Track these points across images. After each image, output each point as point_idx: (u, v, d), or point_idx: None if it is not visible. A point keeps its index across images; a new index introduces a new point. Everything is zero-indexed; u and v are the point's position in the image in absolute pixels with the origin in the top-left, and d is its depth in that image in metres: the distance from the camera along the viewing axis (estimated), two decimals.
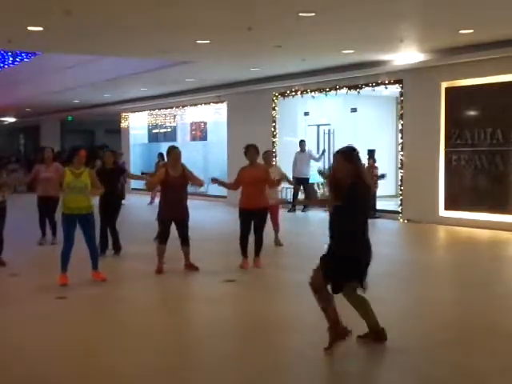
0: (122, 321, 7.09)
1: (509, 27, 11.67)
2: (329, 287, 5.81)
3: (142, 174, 11.97)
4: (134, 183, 26.85)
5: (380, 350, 5.86)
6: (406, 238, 14.47)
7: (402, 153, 16.18)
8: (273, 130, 19.58)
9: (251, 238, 9.85)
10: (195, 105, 23.64)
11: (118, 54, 15.61)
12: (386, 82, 16.32)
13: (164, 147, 18.65)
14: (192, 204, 9.96)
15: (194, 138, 25.61)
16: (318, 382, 5.30)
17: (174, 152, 9.53)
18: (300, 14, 10.26)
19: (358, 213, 5.74)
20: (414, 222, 15.44)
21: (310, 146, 19.33)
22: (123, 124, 28.90)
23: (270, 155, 12.27)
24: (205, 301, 8.02)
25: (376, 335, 5.92)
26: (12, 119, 36.82)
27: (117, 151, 16.32)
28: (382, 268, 9.67)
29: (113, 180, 10.75)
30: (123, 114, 28.53)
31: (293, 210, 17.91)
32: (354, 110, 20.10)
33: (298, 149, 18.46)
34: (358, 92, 17.26)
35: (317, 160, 18.74)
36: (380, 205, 16.86)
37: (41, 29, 11.39)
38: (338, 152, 5.97)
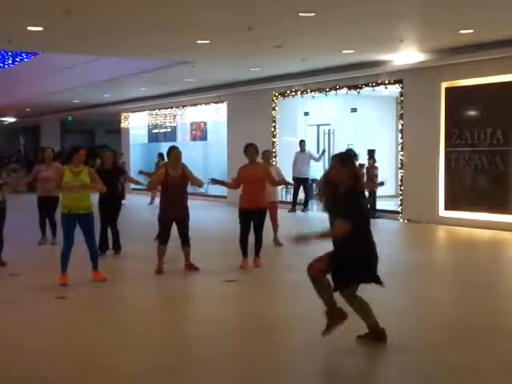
0: (121, 321, 7.09)
1: (509, 27, 11.67)
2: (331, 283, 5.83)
3: (140, 172, 11.89)
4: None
5: (380, 350, 5.86)
6: (406, 238, 14.47)
7: (401, 153, 16.18)
8: (273, 130, 19.58)
9: (251, 238, 9.84)
10: (195, 105, 23.65)
11: (118, 54, 15.61)
12: (386, 82, 16.32)
13: (164, 147, 18.71)
14: (192, 204, 9.96)
15: (194, 138, 25.61)
16: (317, 382, 5.30)
17: (174, 152, 9.52)
18: (300, 14, 10.26)
19: (359, 217, 5.75)
20: (414, 221, 15.44)
21: (310, 146, 19.33)
22: (123, 124, 28.90)
23: (269, 155, 12.27)
24: (205, 301, 8.03)
25: (376, 335, 5.92)
26: (12, 119, 36.82)
27: (117, 151, 16.34)
28: (382, 268, 9.63)
29: (112, 180, 10.73)
30: (123, 114, 28.53)
31: (293, 209, 17.91)
32: (354, 109, 20.11)
33: (298, 149, 18.46)
34: (358, 92, 17.26)
35: (317, 160, 18.74)
36: (380, 205, 16.87)
37: (41, 29, 11.40)
38: (334, 157, 6.04)
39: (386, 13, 10.41)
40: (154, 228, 10.41)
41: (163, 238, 9.50)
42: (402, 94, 16.10)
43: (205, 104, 23.08)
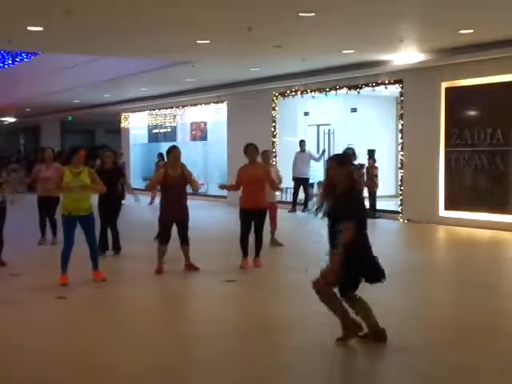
0: (121, 321, 7.09)
1: (509, 27, 11.67)
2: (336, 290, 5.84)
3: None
4: (134, 183, 26.86)
5: (380, 350, 5.86)
6: (406, 238, 14.47)
7: (402, 153, 16.18)
8: (273, 129, 19.58)
9: (251, 238, 9.85)
10: (195, 105, 23.65)
11: (118, 54, 15.61)
12: (386, 82, 16.32)
13: (164, 147, 18.69)
14: (192, 204, 9.96)
15: (194, 138, 25.61)
16: (317, 382, 5.30)
17: (173, 152, 9.52)
18: (300, 14, 10.26)
19: (356, 220, 5.74)
20: (413, 221, 15.44)
21: (310, 146, 19.33)
22: (123, 124, 28.91)
23: (268, 155, 12.28)
24: (205, 301, 8.03)
25: (376, 336, 5.92)
26: (12, 119, 36.82)
27: (117, 151, 16.33)
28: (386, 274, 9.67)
29: (112, 180, 10.73)
30: (123, 114, 28.54)
31: (293, 210, 17.91)
32: (354, 110, 20.11)
33: (298, 149, 18.46)
34: (358, 92, 17.26)
35: (317, 160, 18.74)
36: (380, 205, 16.87)
37: (41, 29, 11.40)
38: (330, 158, 6.07)
39: (386, 13, 10.41)
40: (154, 228, 10.41)
41: (163, 238, 9.50)
42: (402, 94, 16.10)
43: (205, 104, 23.08)
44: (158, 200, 10.00)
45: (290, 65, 16.33)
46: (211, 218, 17.13)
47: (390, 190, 18.93)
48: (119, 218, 11.25)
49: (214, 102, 22.58)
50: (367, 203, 16.29)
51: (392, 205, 17.14)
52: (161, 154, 20.43)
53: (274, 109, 19.62)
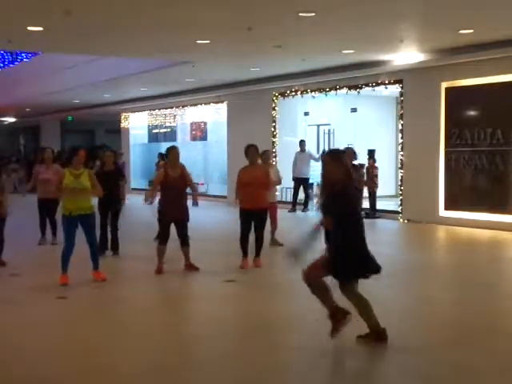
0: (121, 321, 7.09)
1: (509, 27, 11.67)
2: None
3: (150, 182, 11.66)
4: (134, 183, 26.88)
5: (380, 350, 5.86)
6: (406, 238, 14.47)
7: (402, 153, 16.18)
8: (273, 129, 19.58)
9: (251, 238, 9.84)
10: (195, 105, 23.65)
11: (118, 54, 15.61)
12: (386, 82, 16.32)
13: (164, 147, 18.67)
14: (192, 204, 9.95)
15: (194, 138, 25.61)
16: (317, 382, 5.30)
17: (172, 152, 9.53)
18: (300, 14, 10.26)
19: (351, 216, 5.75)
20: (413, 221, 15.44)
21: (310, 146, 19.33)
22: (123, 124, 28.90)
23: (268, 155, 12.28)
24: (205, 301, 8.03)
25: (377, 335, 5.92)
26: (12, 119, 36.82)
27: (117, 151, 16.32)
28: (382, 268, 9.66)
29: (112, 181, 10.71)
30: (123, 114, 28.53)
31: (293, 210, 17.91)
32: (354, 110, 20.11)
33: (298, 149, 18.46)
34: (358, 92, 17.26)
35: (317, 160, 18.71)
36: (380, 205, 16.87)
37: (41, 29, 11.40)
38: (325, 153, 6.09)
39: (386, 13, 10.42)
40: (154, 228, 10.41)
41: (163, 237, 9.50)
42: (402, 94, 16.10)
43: (205, 104, 23.08)
44: (157, 200, 9.98)
45: (290, 65, 16.33)
46: (211, 217, 17.12)
47: (390, 190, 18.93)
48: (119, 218, 11.24)
49: (214, 102, 22.58)
50: (367, 203, 16.30)
51: (392, 205, 17.14)
52: (161, 154, 20.41)
53: (274, 109, 19.62)
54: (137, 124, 28.59)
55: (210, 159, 24.37)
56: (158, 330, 6.72)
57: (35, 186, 12.41)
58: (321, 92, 18.14)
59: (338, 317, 5.81)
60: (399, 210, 16.12)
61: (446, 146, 14.92)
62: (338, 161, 5.90)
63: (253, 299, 8.04)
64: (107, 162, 11.13)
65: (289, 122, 20.08)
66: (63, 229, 8.74)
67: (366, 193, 16.49)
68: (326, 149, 19.80)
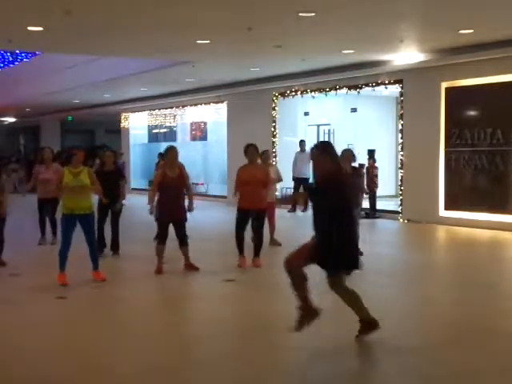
0: (122, 321, 7.09)
1: (509, 27, 11.67)
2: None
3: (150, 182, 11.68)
4: (134, 183, 26.89)
5: (380, 350, 5.86)
6: (406, 238, 14.47)
7: (402, 153, 16.18)
8: (273, 129, 19.58)
9: (247, 238, 9.84)
10: (195, 105, 23.65)
11: (118, 54, 15.61)
12: (386, 82, 16.32)
13: (164, 147, 18.70)
14: (187, 210, 9.92)
15: (194, 138, 25.61)
16: (317, 382, 5.30)
17: (171, 152, 9.52)
18: (300, 14, 10.26)
19: (338, 208, 5.73)
20: (414, 221, 15.44)
21: (310, 146, 19.30)
22: (123, 124, 28.91)
23: (268, 155, 12.28)
24: (204, 301, 8.03)
25: (369, 325, 5.93)
26: (12, 119, 36.82)
27: (117, 151, 16.31)
28: (382, 268, 9.68)
29: (112, 181, 10.70)
30: (123, 114, 28.53)
31: (293, 210, 17.91)
32: (354, 110, 20.12)
33: (298, 149, 18.46)
34: (358, 92, 17.27)
35: None
36: (380, 205, 16.87)
37: (41, 29, 11.40)
38: (314, 147, 6.08)
39: (386, 13, 10.42)
40: (154, 228, 10.40)
41: (161, 237, 9.48)
42: (402, 94, 16.11)
43: (205, 104, 23.09)
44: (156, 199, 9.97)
45: (290, 65, 16.34)
46: (211, 218, 17.12)
47: (390, 190, 18.94)
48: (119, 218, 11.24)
49: (214, 102, 22.58)
50: (367, 203, 16.30)
51: (392, 205, 17.14)
52: (161, 154, 20.41)
53: (274, 109, 19.63)
54: (137, 124, 28.59)
55: (209, 159, 24.37)
56: (158, 330, 6.72)
57: (35, 186, 12.40)
58: (321, 92, 18.14)
59: (307, 312, 5.78)
60: (399, 209, 16.12)
61: (446, 146, 14.92)
62: (323, 151, 5.88)
63: (252, 299, 8.03)
64: (107, 162, 11.12)
65: (289, 122, 20.09)
66: (61, 227, 8.76)
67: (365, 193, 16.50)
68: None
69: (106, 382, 5.26)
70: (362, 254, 10.15)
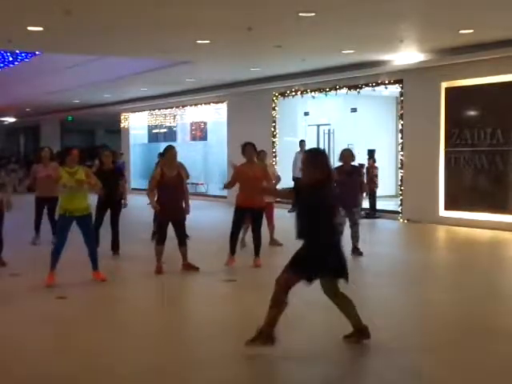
0: (121, 321, 7.09)
1: (509, 27, 11.67)
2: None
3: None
4: (134, 183, 26.88)
5: (380, 350, 5.86)
6: (406, 238, 14.47)
7: (402, 153, 16.18)
8: (273, 129, 19.59)
9: (249, 239, 9.85)
10: (195, 105, 23.66)
11: (118, 54, 15.60)
12: (386, 82, 16.32)
13: (164, 147, 18.69)
14: (192, 204, 9.94)
15: (194, 138, 25.61)
16: (317, 382, 5.30)
17: (169, 152, 9.52)
18: (300, 14, 10.26)
19: (320, 213, 5.69)
20: (413, 221, 15.44)
21: (310, 146, 19.30)
22: (123, 124, 28.91)
23: (264, 155, 12.29)
24: (204, 301, 8.03)
25: (359, 332, 5.91)
26: (12, 119, 36.83)
27: (116, 151, 16.31)
28: (382, 268, 9.68)
29: (111, 181, 10.69)
30: (123, 114, 28.53)
31: (293, 210, 17.89)
32: (354, 110, 20.12)
33: (298, 149, 18.45)
34: (358, 92, 17.27)
35: None
36: (380, 205, 16.88)
37: (41, 29, 11.40)
38: (307, 151, 6.07)
39: (385, 13, 10.41)
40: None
41: (160, 237, 9.47)
42: (401, 94, 16.11)
43: (205, 104, 23.09)
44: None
45: (290, 65, 16.33)
46: (211, 218, 17.12)
47: (390, 190, 18.94)
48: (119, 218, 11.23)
49: (214, 102, 22.58)
50: (367, 203, 16.29)
51: (392, 205, 17.15)
52: (161, 154, 20.40)
53: (274, 109, 19.63)
54: (137, 124, 28.59)
55: (209, 159, 24.37)
56: (158, 330, 6.72)
57: (33, 185, 12.37)
58: (321, 92, 18.14)
59: (264, 335, 5.69)
60: (399, 209, 16.12)
61: (446, 146, 14.93)
62: (314, 160, 5.80)
63: (253, 299, 8.02)
64: (106, 162, 11.12)
65: (289, 122, 20.09)
66: (57, 227, 8.77)
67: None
68: (326, 148, 19.85)
69: (106, 382, 5.27)
70: (361, 254, 10.29)
